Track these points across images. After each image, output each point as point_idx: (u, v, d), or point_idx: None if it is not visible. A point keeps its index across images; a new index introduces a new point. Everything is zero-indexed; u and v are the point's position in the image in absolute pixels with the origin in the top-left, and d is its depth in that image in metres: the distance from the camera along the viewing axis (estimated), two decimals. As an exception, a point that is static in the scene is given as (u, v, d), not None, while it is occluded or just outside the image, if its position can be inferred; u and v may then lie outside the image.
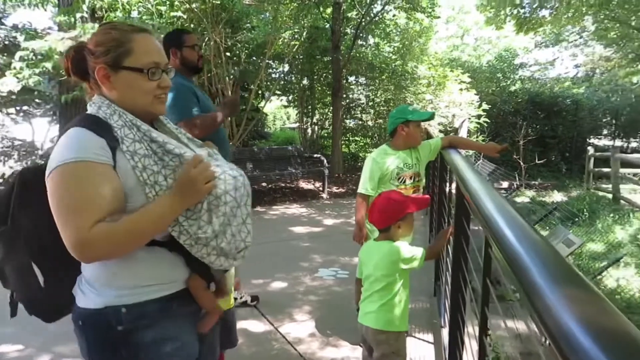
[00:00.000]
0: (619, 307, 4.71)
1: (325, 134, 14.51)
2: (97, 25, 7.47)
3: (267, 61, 10.23)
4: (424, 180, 3.21)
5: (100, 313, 1.28)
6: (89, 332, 1.31)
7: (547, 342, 0.57)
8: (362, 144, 14.86)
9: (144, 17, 8.05)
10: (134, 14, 8.63)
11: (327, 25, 11.74)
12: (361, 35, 12.56)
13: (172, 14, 7.89)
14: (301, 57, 12.90)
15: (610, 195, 10.12)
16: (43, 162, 1.39)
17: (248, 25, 9.78)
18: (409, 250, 2.24)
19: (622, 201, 9.72)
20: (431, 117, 3.16)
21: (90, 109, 1.30)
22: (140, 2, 8.01)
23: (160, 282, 1.33)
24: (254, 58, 11.13)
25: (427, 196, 2.56)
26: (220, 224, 1.30)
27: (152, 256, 1.31)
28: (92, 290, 1.30)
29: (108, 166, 1.21)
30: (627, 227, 7.91)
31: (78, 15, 7.40)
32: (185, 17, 8.22)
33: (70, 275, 1.37)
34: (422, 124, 3.19)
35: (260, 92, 12.65)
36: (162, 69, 1.34)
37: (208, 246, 1.30)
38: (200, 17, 8.15)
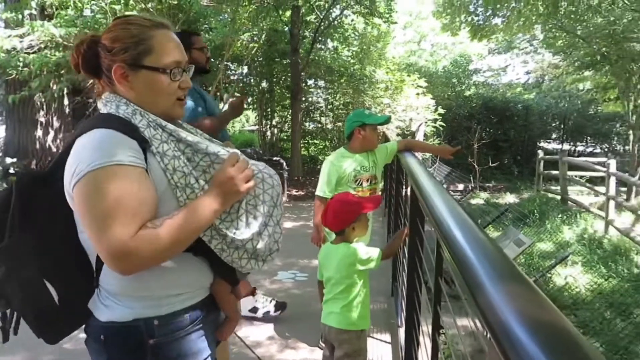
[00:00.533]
0: (566, 303, 4.94)
1: (285, 137, 14.53)
2: (47, 22, 7.23)
3: (225, 63, 10.15)
4: (381, 183, 3.26)
5: (128, 326, 1.17)
6: (114, 348, 1.20)
7: (489, 336, 0.60)
8: (321, 146, 14.94)
9: (97, 16, 7.83)
10: (87, 12, 8.39)
11: (286, 29, 11.76)
12: (320, 39, 12.64)
13: (126, 13, 7.71)
14: (260, 59, 12.87)
15: (558, 197, 10.55)
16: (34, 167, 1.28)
17: (206, 26, 9.68)
18: (366, 251, 2.28)
19: (569, 202, 10.16)
20: (387, 121, 3.21)
21: (107, 108, 1.19)
22: (93, 1, 7.79)
23: (190, 290, 1.25)
24: (212, 60, 11.02)
25: (379, 195, 2.61)
26: (259, 225, 1.23)
27: (181, 262, 1.20)
28: (116, 302, 1.19)
29: (143, 170, 1.12)
30: (574, 227, 8.28)
31: (26, 12, 7.13)
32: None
33: (86, 288, 1.23)
34: (379, 127, 3.25)
35: (218, 94, 12.52)
36: (183, 68, 1.25)
37: (240, 249, 1.22)
38: (155, 17, 8.01)
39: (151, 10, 7.91)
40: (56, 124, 10.58)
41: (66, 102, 10.70)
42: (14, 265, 1.16)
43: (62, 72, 8.13)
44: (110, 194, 1.05)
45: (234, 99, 3.03)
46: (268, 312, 3.44)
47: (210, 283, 1.31)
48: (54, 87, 8.36)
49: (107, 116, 1.17)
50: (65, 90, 10.03)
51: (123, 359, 1.21)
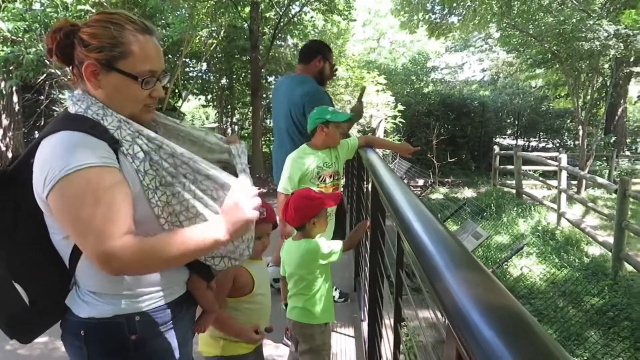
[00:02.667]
0: (522, 293, 5.11)
1: (246, 134, 14.42)
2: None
3: (183, 59, 9.97)
4: (343, 179, 3.28)
5: (109, 322, 1.17)
6: (94, 344, 1.19)
7: (446, 321, 0.62)
8: (282, 144, 14.91)
9: (48, 10, 7.55)
10: (37, 5, 8.08)
11: (245, 25, 11.66)
12: (280, 35, 12.59)
13: (79, 7, 7.46)
14: (219, 56, 12.71)
15: (514, 191, 10.90)
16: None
17: (163, 21, 9.49)
18: (327, 245, 2.29)
19: (524, 196, 10.51)
20: (349, 119, 3.17)
21: (75, 108, 1.16)
22: (44, -6, 7.52)
23: (169, 286, 1.26)
24: (170, 56, 10.82)
25: (339, 192, 2.63)
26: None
27: None
28: (96, 298, 1.18)
29: (117, 169, 1.10)
30: (528, 219, 8.57)
31: (-29, 5, 6.80)
32: (93, 11, 7.81)
33: (60, 286, 1.22)
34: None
35: (177, 91, 12.31)
36: (157, 77, 1.21)
37: (215, 253, 1.26)
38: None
39: (105, 4, 7.69)
40: (5, 122, 10.16)
41: (15, 99, 10.28)
42: None
43: (11, 68, 7.81)
44: (88, 198, 1.04)
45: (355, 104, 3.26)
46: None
47: (187, 279, 1.33)
48: (3, 84, 8.02)
49: (75, 117, 1.15)
50: (15, 87, 9.64)
51: (104, 355, 1.20)
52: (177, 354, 1.28)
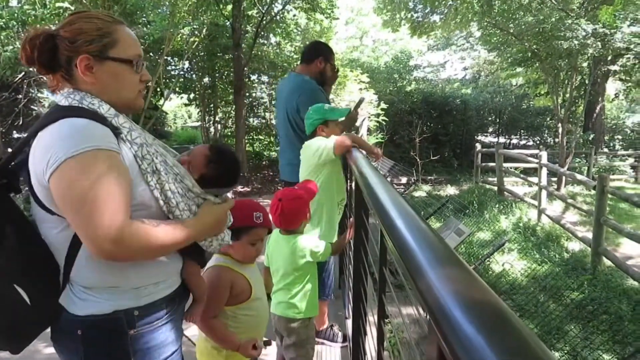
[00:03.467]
0: (504, 289, 5.18)
1: (229, 133, 14.35)
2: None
3: (165, 57, 9.88)
4: None
5: (108, 319, 1.17)
6: (92, 341, 1.19)
7: (428, 317, 0.63)
8: (266, 142, 14.86)
9: (25, 7, 7.42)
10: (13, 2, 7.94)
11: (228, 23, 11.59)
12: (262, 33, 12.55)
13: (57, 4, 7.33)
14: (202, 54, 12.62)
15: (495, 188, 11.02)
16: None
17: (144, 19, 9.39)
18: (315, 244, 2.32)
19: (505, 193, 10.64)
20: (349, 112, 3.06)
21: (69, 101, 1.18)
22: (21, -9, 7.38)
23: (166, 278, 1.29)
24: (151, 54, 10.71)
25: (312, 180, 2.63)
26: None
27: None
28: (93, 295, 1.18)
29: (119, 155, 1.14)
30: (510, 216, 8.68)
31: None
32: (72, 8, 7.69)
33: (53, 286, 1.20)
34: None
35: (159, 89, 12.20)
36: (142, 62, 1.29)
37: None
38: (89, 9, 7.66)
39: (84, 1, 7.58)
40: (-18, 121, 9.95)
41: (-8, 98, 10.07)
42: None
43: (-12, 66, 7.66)
44: (95, 178, 1.05)
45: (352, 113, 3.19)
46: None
47: (181, 269, 1.37)
48: (-21, 83, 7.87)
49: (72, 107, 1.16)
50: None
51: (103, 351, 1.20)
52: (173, 347, 1.31)
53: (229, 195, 1.52)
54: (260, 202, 2.11)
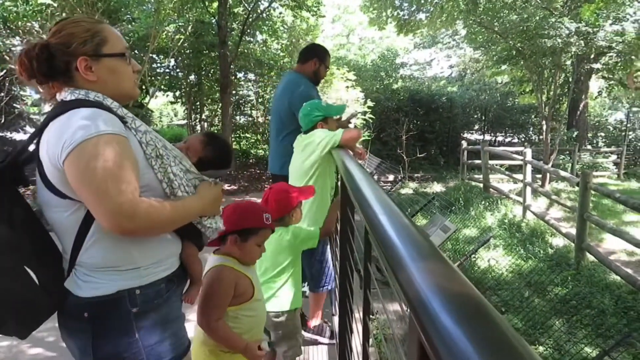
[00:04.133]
0: (489, 284, 5.23)
1: (215, 131, 14.25)
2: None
3: (150, 55, 9.80)
4: None
5: (112, 299, 1.25)
6: (99, 322, 1.25)
7: (408, 310, 0.64)
8: (253, 140, 14.82)
9: (7, 4, 7.30)
10: (-5, -1, 7.80)
11: (213, 20, 11.53)
12: (248, 31, 12.51)
13: (40, 0, 7.23)
14: (187, 51, 12.54)
15: (481, 185, 11.12)
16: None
17: (128, 16, 9.30)
18: (305, 232, 2.39)
19: (491, 189, 10.73)
20: (344, 109, 3.11)
21: (75, 96, 1.26)
22: (2, -13, 7.26)
23: (167, 259, 1.38)
24: (136, 52, 10.61)
25: (312, 186, 2.64)
26: None
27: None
28: (97, 277, 1.26)
29: (128, 140, 1.23)
30: (495, 212, 8.76)
31: None
32: (55, 5, 7.59)
33: (59, 271, 1.29)
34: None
35: (144, 87, 12.09)
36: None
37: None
38: (73, 6, 7.58)
39: (68, -2, 7.48)
40: (-37, 120, 9.79)
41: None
42: None
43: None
44: (110, 159, 1.14)
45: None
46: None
47: (180, 252, 1.46)
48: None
49: (80, 100, 1.25)
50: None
51: (109, 330, 1.26)
52: (174, 326, 1.39)
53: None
54: (248, 200, 2.14)
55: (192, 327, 1.75)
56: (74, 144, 1.14)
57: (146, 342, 1.29)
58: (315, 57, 3.47)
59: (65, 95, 1.27)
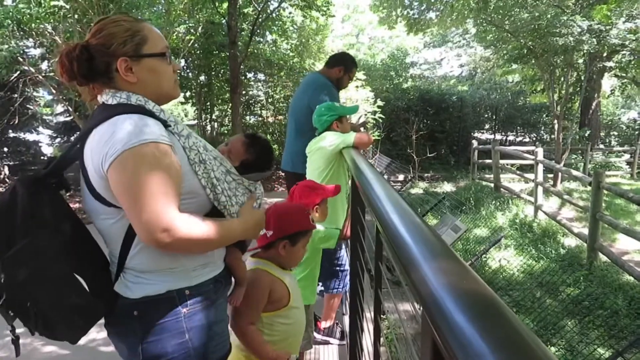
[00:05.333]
0: (500, 285, 5.20)
1: (225, 131, 14.32)
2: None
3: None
4: None
5: (162, 298, 1.25)
6: (150, 321, 1.25)
7: (420, 308, 0.64)
8: (263, 140, 14.84)
9: (20, 6, 7.38)
10: (8, 0, 7.90)
11: (223, 21, 11.57)
12: (258, 31, 12.54)
13: (52, 2, 7.30)
14: (198, 52, 12.59)
15: (492, 184, 11.05)
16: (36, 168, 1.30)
17: (139, 17, 9.35)
18: (325, 231, 2.40)
19: (502, 189, 10.67)
20: (357, 109, 3.38)
21: (116, 99, 1.25)
22: (15, -11, 7.35)
23: (213, 261, 1.37)
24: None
25: (339, 185, 2.66)
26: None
27: None
28: (147, 278, 1.26)
29: (171, 147, 1.20)
30: (506, 212, 8.70)
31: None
32: (68, 7, 7.66)
33: (108, 276, 1.29)
34: None
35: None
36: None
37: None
38: (85, 8, 7.64)
39: (80, 0, 7.55)
40: (-23, 121, 9.91)
41: (-12, 97, 10.04)
42: (39, 265, 1.16)
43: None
44: (150, 170, 1.12)
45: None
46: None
47: (225, 255, 1.46)
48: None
49: (123, 105, 1.23)
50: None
51: (159, 330, 1.26)
52: (221, 327, 1.39)
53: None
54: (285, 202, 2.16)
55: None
56: (116, 153, 1.12)
57: (195, 343, 1.29)
58: (342, 65, 3.57)
59: (107, 98, 1.26)
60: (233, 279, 1.57)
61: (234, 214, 1.37)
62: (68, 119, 13.33)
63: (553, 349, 3.93)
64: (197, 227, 1.17)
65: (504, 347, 0.48)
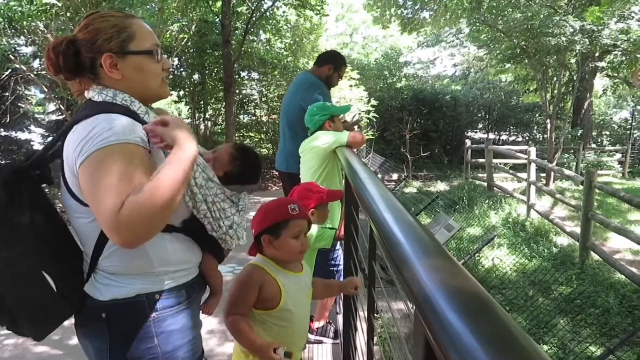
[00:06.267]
0: (493, 283, 5.23)
1: (219, 130, 14.30)
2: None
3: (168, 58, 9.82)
4: None
5: (131, 302, 1.23)
6: (118, 324, 1.24)
7: (413, 306, 0.64)
8: (256, 139, 14.82)
9: (12, 3, 7.33)
10: (0, -1, 7.84)
11: (217, 19, 11.54)
12: (252, 30, 12.51)
13: (44, 0, 7.26)
14: (191, 51, 12.56)
15: (485, 184, 11.09)
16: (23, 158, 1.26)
17: (130, 13, 9.31)
18: (320, 231, 2.45)
19: (495, 188, 10.71)
20: (349, 109, 3.34)
21: (102, 97, 1.23)
22: (7, -14, 7.29)
23: (186, 267, 1.35)
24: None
25: (341, 190, 2.65)
26: (233, 218, 1.43)
27: (176, 242, 1.30)
28: (116, 280, 1.24)
29: (147, 151, 1.17)
30: (499, 211, 8.74)
31: None
32: (60, 4, 7.61)
33: (79, 275, 1.27)
34: None
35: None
36: (161, 51, 1.34)
37: (223, 229, 1.39)
38: (77, 5, 7.60)
39: (72, -2, 7.50)
40: (-32, 119, 9.84)
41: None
42: (6, 260, 1.16)
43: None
44: (115, 170, 1.08)
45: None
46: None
47: (200, 262, 1.43)
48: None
49: (107, 103, 1.22)
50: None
51: (127, 334, 1.24)
52: (192, 333, 1.36)
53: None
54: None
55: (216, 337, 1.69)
56: (89, 151, 1.10)
57: (165, 348, 1.27)
58: (331, 64, 3.59)
59: (93, 94, 1.24)
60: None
61: (222, 226, 1.37)
62: (60, 117, 13.25)
63: (545, 347, 3.96)
64: (143, 204, 1.04)
65: (495, 344, 0.48)
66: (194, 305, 1.40)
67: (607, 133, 19.04)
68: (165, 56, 1.38)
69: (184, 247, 1.34)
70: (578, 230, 6.53)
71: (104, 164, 1.08)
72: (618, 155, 15.35)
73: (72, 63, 1.24)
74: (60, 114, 12.69)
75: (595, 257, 6.10)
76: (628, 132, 18.34)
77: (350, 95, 12.28)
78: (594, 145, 16.12)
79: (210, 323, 3.37)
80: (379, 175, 11.24)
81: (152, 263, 1.25)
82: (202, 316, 1.52)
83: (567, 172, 8.45)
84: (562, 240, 7.22)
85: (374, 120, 12.82)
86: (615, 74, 15.08)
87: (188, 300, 1.35)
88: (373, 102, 12.56)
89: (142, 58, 1.28)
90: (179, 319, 1.30)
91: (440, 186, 12.12)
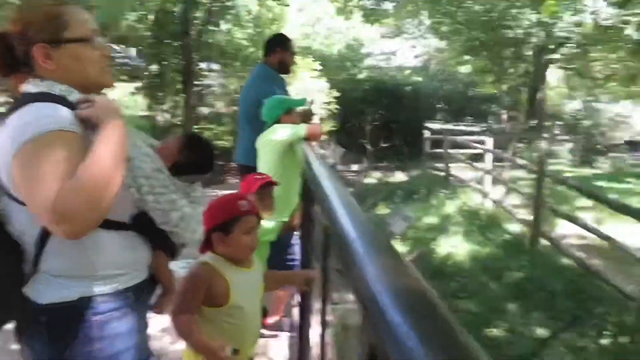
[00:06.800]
0: (449, 271, 5.38)
1: (178, 122, 14.00)
2: None
3: (110, 45, 9.54)
4: None
5: (73, 305, 1.18)
6: (57, 328, 1.19)
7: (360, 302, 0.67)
8: (216, 132, 14.60)
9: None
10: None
11: (176, 9, 11.28)
12: (212, 20, 12.30)
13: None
14: (149, 41, 12.25)
15: (443, 174, 11.34)
16: None
17: (87, 4, 9.01)
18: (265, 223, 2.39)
19: (452, 178, 10.96)
20: (305, 102, 3.28)
21: (39, 89, 1.17)
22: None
23: (134, 270, 1.31)
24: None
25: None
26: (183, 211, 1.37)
27: (124, 242, 1.27)
28: (60, 282, 1.19)
29: (80, 136, 1.13)
30: (456, 200, 8.96)
31: None
32: (17, 1, 7.27)
33: (19, 276, 1.20)
34: None
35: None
36: (99, 37, 1.28)
37: (173, 222, 1.35)
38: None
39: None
40: None
41: None
42: None
43: None
44: (48, 159, 1.05)
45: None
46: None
47: (149, 264, 1.39)
48: None
49: (42, 93, 1.17)
50: None
51: (68, 337, 1.20)
52: (137, 337, 1.32)
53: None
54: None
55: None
56: (21, 143, 1.06)
57: (107, 352, 1.23)
58: (276, 47, 3.53)
59: (28, 87, 1.19)
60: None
61: (172, 218, 1.33)
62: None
63: (496, 331, 4.12)
64: (79, 187, 1.03)
65: (435, 343, 0.50)
66: (142, 307, 1.37)
67: (560, 123, 19.69)
68: (105, 42, 1.32)
69: (132, 247, 1.30)
70: (530, 217, 6.78)
71: (36, 154, 1.05)
72: (569, 145, 15.94)
73: (8, 58, 1.19)
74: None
75: (546, 243, 6.36)
76: (579, 122, 19.03)
77: (311, 86, 12.26)
78: (547, 135, 16.68)
79: (162, 321, 3.32)
80: (340, 167, 11.33)
81: (96, 265, 1.21)
82: (154, 315, 1.51)
83: (520, 161, 8.73)
84: (515, 228, 7.47)
85: (336, 111, 12.85)
86: (569, 66, 15.60)
87: (135, 303, 1.31)
88: (335, 93, 12.58)
89: (78, 46, 1.22)
90: (124, 322, 1.27)
91: (400, 177, 12.31)
